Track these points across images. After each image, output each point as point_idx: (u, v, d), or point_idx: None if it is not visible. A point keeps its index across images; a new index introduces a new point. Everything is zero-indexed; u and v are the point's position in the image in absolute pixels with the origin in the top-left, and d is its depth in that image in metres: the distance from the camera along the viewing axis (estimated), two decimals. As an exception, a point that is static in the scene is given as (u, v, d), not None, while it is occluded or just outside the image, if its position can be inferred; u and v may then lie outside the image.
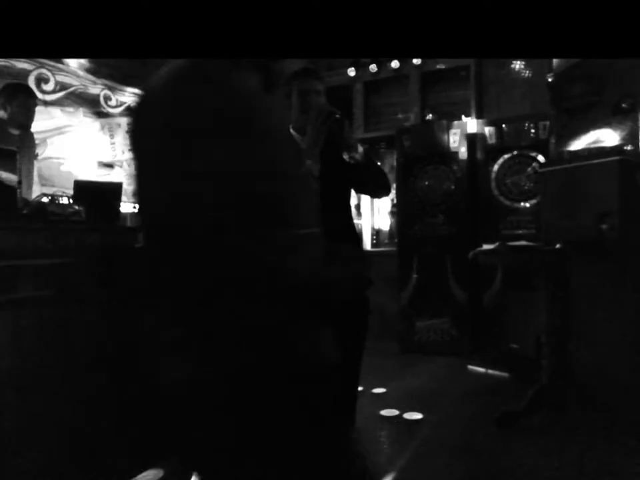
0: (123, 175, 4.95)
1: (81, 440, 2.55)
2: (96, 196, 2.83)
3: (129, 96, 5.12)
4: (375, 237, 6.04)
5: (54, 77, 4.36)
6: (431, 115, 5.51)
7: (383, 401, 3.35)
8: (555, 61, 4.45)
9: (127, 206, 5.01)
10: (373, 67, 5.85)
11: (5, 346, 2.27)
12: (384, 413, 3.10)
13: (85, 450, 2.54)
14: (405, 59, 5.61)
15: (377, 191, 2.12)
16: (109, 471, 2.43)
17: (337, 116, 1.81)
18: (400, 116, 5.97)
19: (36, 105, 3.43)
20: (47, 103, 4.26)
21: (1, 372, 2.25)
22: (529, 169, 4.56)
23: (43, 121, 4.11)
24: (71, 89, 4.51)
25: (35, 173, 3.50)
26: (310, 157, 1.76)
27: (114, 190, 3.05)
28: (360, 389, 2.25)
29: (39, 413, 2.41)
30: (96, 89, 4.76)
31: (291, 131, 1.97)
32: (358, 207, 6.11)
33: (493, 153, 4.72)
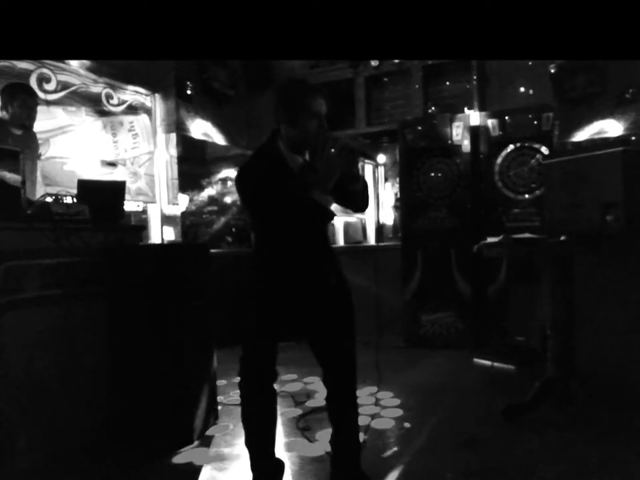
0: (126, 173, 4.96)
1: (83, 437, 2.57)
2: (100, 195, 2.83)
3: (130, 94, 5.12)
4: (379, 232, 6.03)
5: (55, 77, 4.36)
6: (433, 108, 5.49)
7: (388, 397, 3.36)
8: (557, 51, 4.41)
9: (131, 204, 5.03)
10: (375, 62, 5.83)
11: (14, 344, 2.28)
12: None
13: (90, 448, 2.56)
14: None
15: (360, 208, 2.10)
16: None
17: (356, 153, 1.85)
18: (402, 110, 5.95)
19: (37, 104, 3.43)
20: (48, 103, 4.27)
21: (11, 370, 2.26)
22: (533, 160, 4.54)
23: (45, 120, 4.12)
24: (73, 88, 4.51)
25: (39, 173, 3.51)
26: (322, 189, 1.79)
27: (117, 188, 3.05)
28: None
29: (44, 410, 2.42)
30: (97, 87, 4.77)
31: (283, 148, 1.90)
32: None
33: (496, 145, 4.70)
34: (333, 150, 1.79)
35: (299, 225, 1.84)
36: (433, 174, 4.95)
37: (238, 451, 2.52)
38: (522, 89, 5.23)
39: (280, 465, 2.08)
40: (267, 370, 1.99)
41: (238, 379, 2.02)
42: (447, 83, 5.76)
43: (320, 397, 3.11)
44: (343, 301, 2.03)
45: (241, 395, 2.03)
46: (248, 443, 2.03)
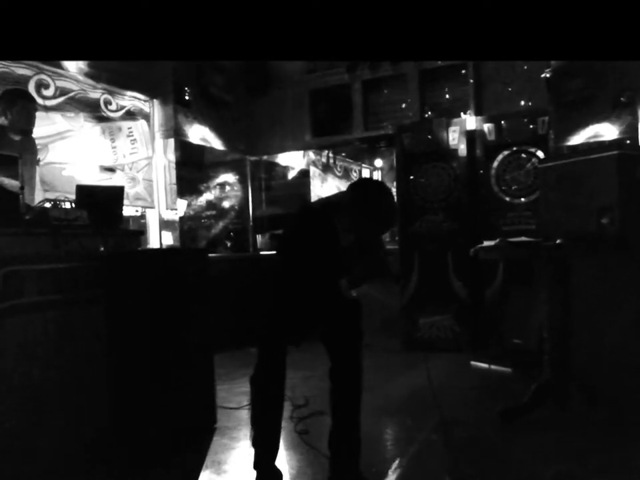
0: (124, 178, 4.97)
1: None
2: (98, 200, 2.85)
3: (128, 100, 5.14)
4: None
5: (54, 82, 4.38)
6: (429, 113, 5.52)
7: (387, 399, 3.37)
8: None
9: (129, 209, 5.04)
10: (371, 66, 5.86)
11: (13, 349, 2.29)
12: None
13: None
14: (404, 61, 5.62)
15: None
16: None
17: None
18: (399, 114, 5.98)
19: (36, 110, 3.45)
20: (47, 109, 4.28)
21: (10, 374, 2.27)
22: (528, 164, 4.56)
23: (44, 126, 4.13)
24: (71, 94, 4.53)
25: (37, 179, 3.52)
26: (353, 287, 2.04)
27: (116, 194, 3.06)
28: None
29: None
30: (96, 93, 4.79)
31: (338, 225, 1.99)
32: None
33: (492, 149, 4.72)
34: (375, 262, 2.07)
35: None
36: (429, 178, 4.97)
37: (236, 455, 2.53)
38: (517, 93, 5.26)
39: (279, 474, 2.10)
40: (281, 371, 2.05)
41: (247, 384, 2.08)
42: (444, 88, 5.79)
43: (318, 401, 3.11)
44: (355, 308, 2.12)
45: (253, 394, 2.08)
46: (255, 442, 2.05)
